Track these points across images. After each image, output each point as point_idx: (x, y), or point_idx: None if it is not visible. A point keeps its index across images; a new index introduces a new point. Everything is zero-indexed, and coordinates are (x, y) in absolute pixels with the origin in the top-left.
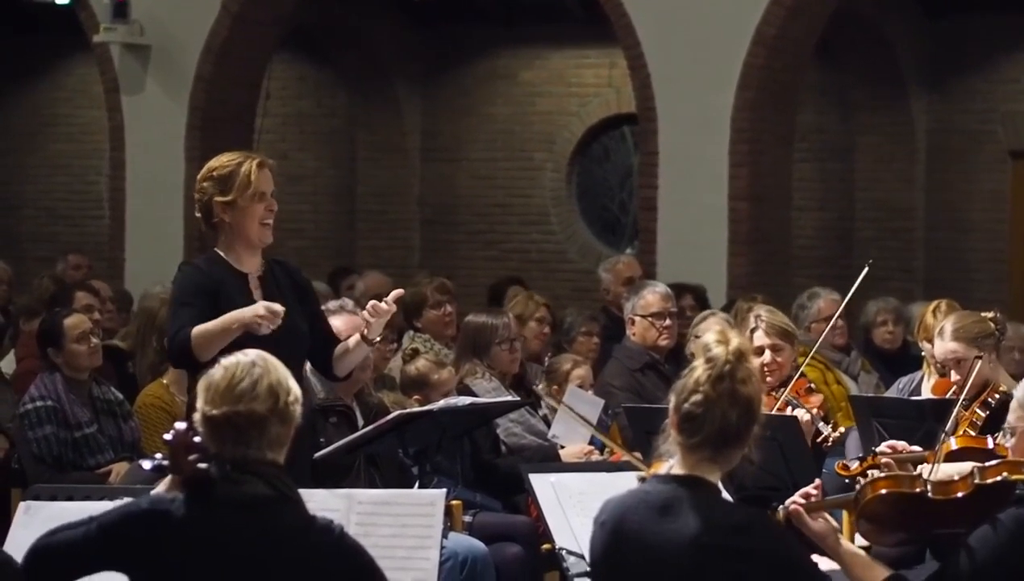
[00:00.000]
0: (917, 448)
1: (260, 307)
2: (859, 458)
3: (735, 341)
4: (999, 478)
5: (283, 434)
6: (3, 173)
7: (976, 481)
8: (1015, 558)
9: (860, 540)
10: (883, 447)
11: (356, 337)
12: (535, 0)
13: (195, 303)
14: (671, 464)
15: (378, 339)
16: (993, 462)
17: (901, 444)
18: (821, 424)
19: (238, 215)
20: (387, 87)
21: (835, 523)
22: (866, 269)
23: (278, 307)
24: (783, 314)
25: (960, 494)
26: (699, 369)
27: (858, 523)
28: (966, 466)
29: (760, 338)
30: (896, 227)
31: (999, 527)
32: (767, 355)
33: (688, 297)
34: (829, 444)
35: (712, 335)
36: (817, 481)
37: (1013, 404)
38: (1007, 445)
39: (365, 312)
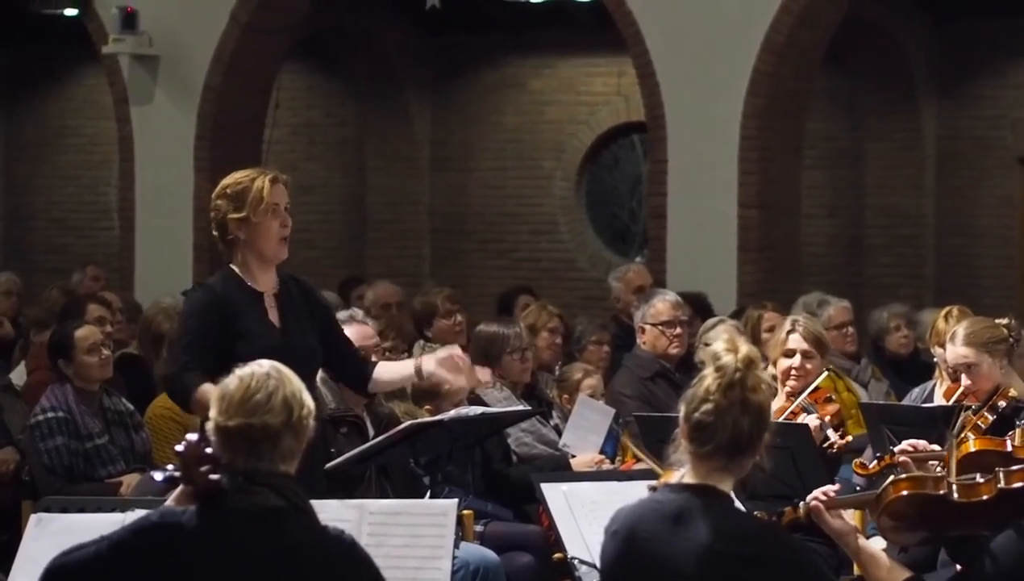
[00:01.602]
0: (936, 447)
1: None
2: (877, 457)
3: (744, 348)
4: (1023, 483)
5: (296, 447)
6: (13, 184)
7: (1000, 485)
8: None
9: (878, 541)
10: (903, 445)
11: (410, 369)
12: (544, 8)
13: (204, 337)
14: (682, 473)
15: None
16: (1018, 466)
17: (921, 443)
18: (830, 431)
19: (252, 231)
20: (396, 96)
21: (855, 522)
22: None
23: None
24: (821, 325)
25: (984, 497)
26: (709, 378)
27: (879, 521)
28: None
29: (796, 341)
30: (906, 234)
31: (1022, 532)
32: (797, 359)
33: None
34: (835, 451)
35: (721, 343)
36: (837, 485)
37: None
38: None
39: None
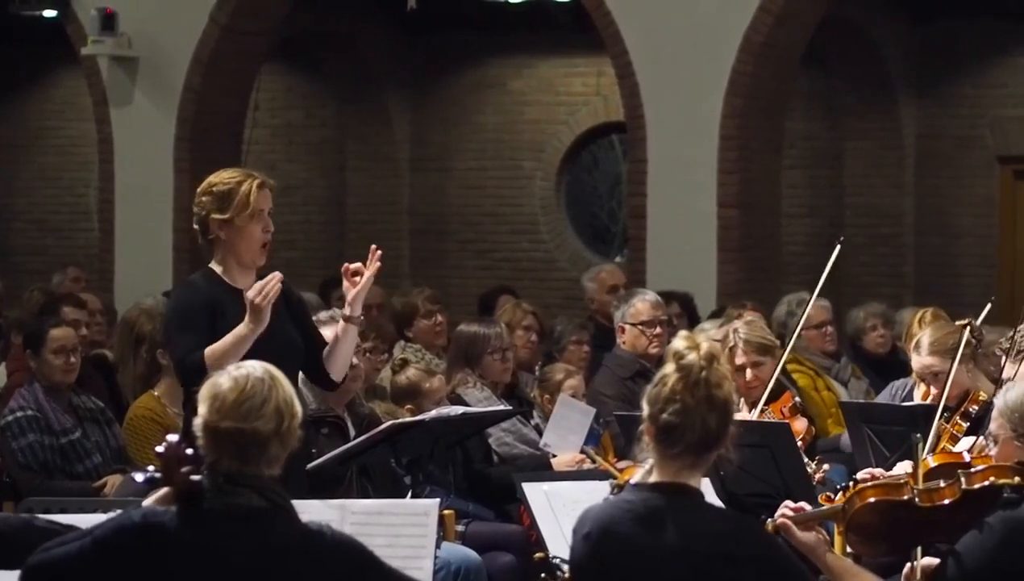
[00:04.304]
0: (896, 472)
1: (249, 297)
2: (843, 487)
3: (705, 345)
4: (986, 483)
5: (281, 454)
6: None
7: (963, 487)
8: (1006, 560)
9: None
10: (862, 474)
11: (340, 324)
12: (523, 9)
13: (196, 323)
14: (646, 470)
15: (361, 316)
16: (979, 467)
17: (879, 471)
18: (804, 459)
19: (234, 234)
20: (376, 97)
21: (826, 535)
22: (839, 246)
23: (259, 284)
24: (762, 325)
25: (947, 500)
26: (672, 377)
27: (846, 534)
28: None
29: (740, 357)
30: (885, 233)
31: (988, 531)
32: (748, 373)
33: (674, 305)
34: (814, 483)
35: (681, 342)
36: (803, 503)
37: (994, 413)
38: (990, 453)
39: (345, 282)
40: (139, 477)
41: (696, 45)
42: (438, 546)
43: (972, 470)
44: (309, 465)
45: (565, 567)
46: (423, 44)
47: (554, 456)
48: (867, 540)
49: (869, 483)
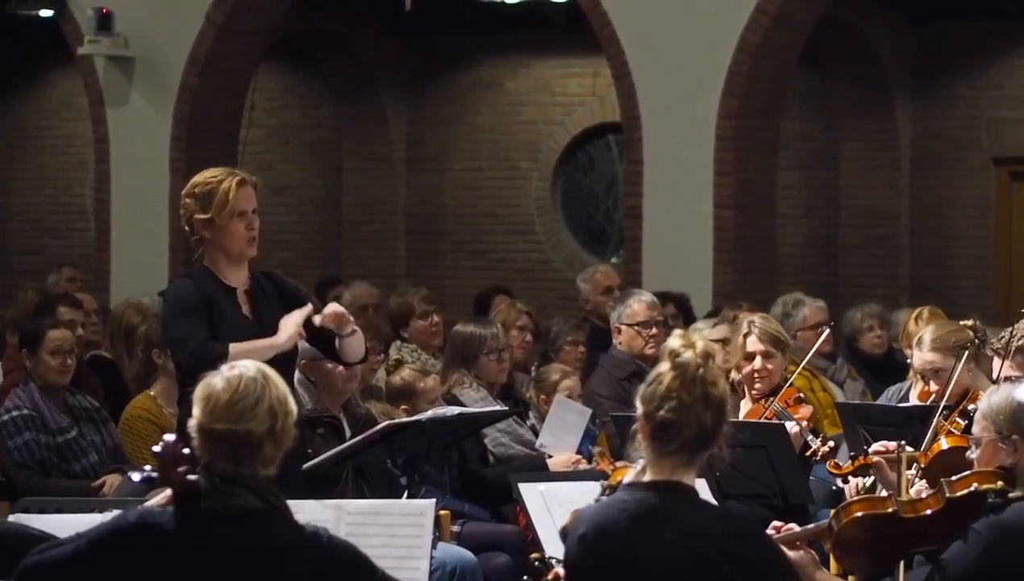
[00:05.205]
0: (909, 448)
1: (291, 327)
2: (851, 457)
3: (700, 343)
4: (970, 489)
5: (276, 454)
6: None
7: (947, 495)
8: (994, 565)
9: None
10: (876, 446)
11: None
12: (519, 10)
13: (195, 313)
14: (639, 470)
15: (353, 329)
16: (962, 474)
17: (893, 444)
18: (810, 437)
19: (217, 233)
20: (372, 97)
21: (813, 553)
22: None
23: (298, 317)
24: (777, 322)
25: (930, 511)
26: (668, 375)
27: (835, 555)
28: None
29: (753, 344)
30: (881, 234)
31: (974, 537)
32: (758, 361)
33: (670, 306)
34: (817, 458)
35: (677, 340)
36: (792, 524)
37: (977, 416)
38: (972, 457)
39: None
40: (136, 477)
41: (692, 46)
42: (434, 546)
43: (954, 478)
44: (305, 465)
45: (554, 563)
46: (419, 44)
47: (550, 457)
48: (853, 555)
49: (855, 499)
